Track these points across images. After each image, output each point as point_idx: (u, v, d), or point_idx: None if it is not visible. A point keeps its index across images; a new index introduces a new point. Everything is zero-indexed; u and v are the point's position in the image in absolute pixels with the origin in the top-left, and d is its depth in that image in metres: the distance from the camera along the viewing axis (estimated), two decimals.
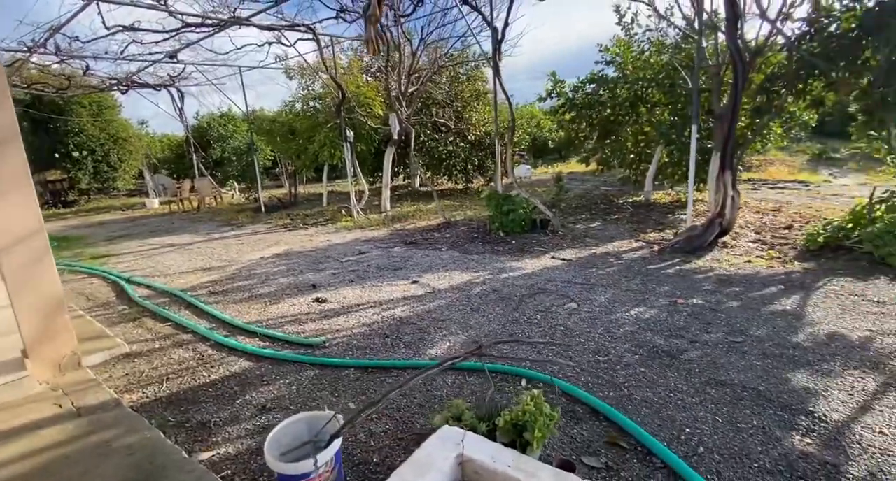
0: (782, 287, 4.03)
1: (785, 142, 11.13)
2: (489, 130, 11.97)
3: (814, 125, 9.63)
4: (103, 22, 7.54)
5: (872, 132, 5.44)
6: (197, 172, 14.07)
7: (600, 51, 8.55)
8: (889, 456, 1.94)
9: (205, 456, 2.29)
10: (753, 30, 13.91)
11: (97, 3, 6.94)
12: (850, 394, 2.40)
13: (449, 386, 2.79)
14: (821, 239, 4.96)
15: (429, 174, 14.60)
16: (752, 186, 9.83)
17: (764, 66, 6.62)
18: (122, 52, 9.31)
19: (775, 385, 2.53)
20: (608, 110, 8.59)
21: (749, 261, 4.88)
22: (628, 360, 2.93)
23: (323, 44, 8.48)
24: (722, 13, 6.16)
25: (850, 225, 4.89)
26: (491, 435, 2.08)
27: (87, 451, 2.33)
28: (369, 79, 12.16)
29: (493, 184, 10.83)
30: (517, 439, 1.99)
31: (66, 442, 2.40)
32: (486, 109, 12.20)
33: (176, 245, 8.15)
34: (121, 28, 7.98)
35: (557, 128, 11.99)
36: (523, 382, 2.73)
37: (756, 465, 1.96)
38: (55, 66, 11.30)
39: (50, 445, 2.39)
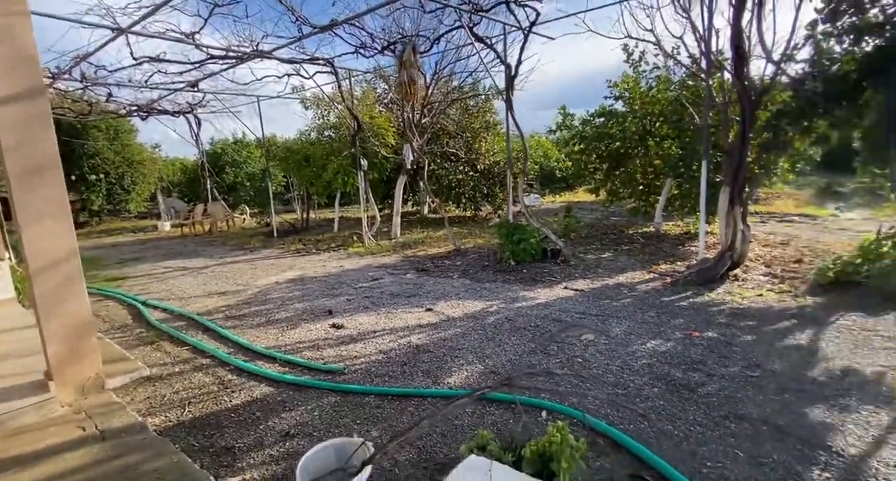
0: (795, 321, 4.06)
1: (792, 177, 11.29)
2: (498, 160, 12.24)
3: (818, 159, 9.82)
4: (131, 53, 7.93)
5: (876, 169, 5.57)
6: (210, 196, 14.36)
7: (609, 86, 8.84)
8: None
9: (233, 480, 2.32)
10: (758, 68, 14.33)
11: (126, 35, 7.30)
12: (865, 429, 2.42)
13: (469, 416, 2.82)
14: (830, 273, 5.00)
15: (437, 201, 14.84)
16: (760, 219, 9.92)
17: (770, 104, 6.82)
18: (146, 81, 9.71)
19: (793, 419, 2.55)
20: (617, 143, 8.81)
21: (761, 295, 4.92)
22: (647, 393, 2.96)
23: (340, 76, 8.82)
24: (727, 52, 6.41)
25: (859, 260, 4.95)
26: (517, 465, 2.11)
27: (113, 476, 2.36)
28: (382, 109, 12.55)
29: (501, 212, 11.00)
30: (543, 470, 2.02)
31: (91, 466, 2.44)
32: (497, 139, 12.51)
33: (189, 268, 8.27)
34: (147, 59, 8.37)
35: (566, 158, 12.24)
36: (543, 414, 2.76)
37: None
38: (77, 91, 11.75)
39: (74, 469, 2.42)
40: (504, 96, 7.11)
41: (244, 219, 15.34)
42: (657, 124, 8.24)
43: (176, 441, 2.69)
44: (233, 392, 3.31)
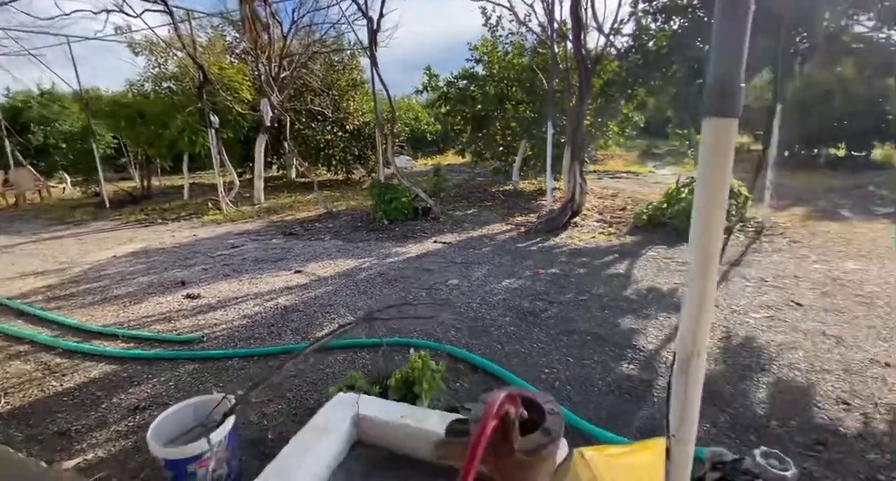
0: (617, 255, 4.89)
1: (622, 140, 13.06)
2: (368, 120, 11.95)
3: (642, 125, 11.54)
4: None
5: (678, 130, 6.80)
6: (12, 162, 11.55)
7: (470, 49, 9.13)
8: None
9: (70, 463, 2.08)
10: (595, 40, 16.04)
11: None
12: (660, 330, 3.09)
13: (340, 363, 2.90)
14: (644, 217, 6.08)
15: (306, 164, 14.06)
16: (597, 177, 11.42)
17: (603, 73, 7.76)
18: None
19: (610, 330, 3.14)
20: (479, 105, 9.25)
21: (594, 237, 5.77)
22: (501, 322, 3.34)
23: (178, 18, 7.63)
24: (570, 23, 7.07)
25: (665, 205, 6.09)
26: (383, 395, 2.27)
27: None
28: (234, 60, 11.23)
29: (374, 175, 10.90)
30: (407, 393, 2.20)
31: None
32: (365, 99, 12.15)
33: None
34: None
35: (434, 120, 12.46)
36: (411, 351, 2.96)
37: (596, 389, 2.47)
38: None
39: None
40: (368, 52, 6.91)
41: (63, 188, 12.74)
42: (513, 89, 8.83)
43: None
44: (63, 376, 2.89)
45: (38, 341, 3.37)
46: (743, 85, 0.86)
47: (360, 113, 12.05)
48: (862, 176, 9.22)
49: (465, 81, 9.21)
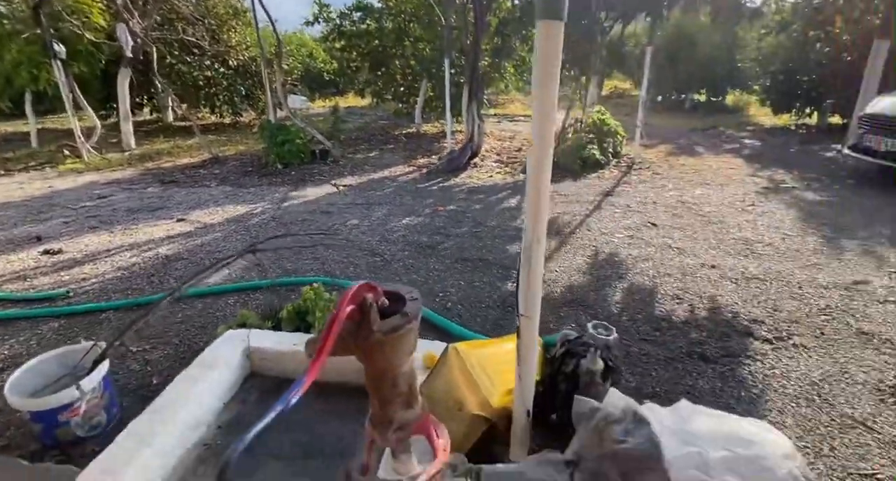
0: (510, 191, 5.18)
1: (520, 83, 13.32)
2: (255, 55, 10.77)
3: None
4: None
5: (567, 72, 7.11)
6: None
7: None
8: (556, 283, 2.93)
9: None
10: None
11: None
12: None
13: (232, 307, 2.82)
14: None
15: (185, 106, 12.48)
16: (497, 120, 11.69)
17: (498, 11, 7.72)
18: None
19: (499, 255, 3.40)
20: (377, 41, 8.78)
21: (491, 176, 6.02)
22: (400, 256, 3.45)
23: None
24: None
25: (553, 146, 6.48)
26: (277, 329, 2.28)
27: None
28: None
29: (266, 116, 10.06)
30: (301, 324, 2.24)
31: None
32: (248, 30, 10.87)
33: None
34: None
35: (330, 58, 11.63)
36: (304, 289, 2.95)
37: (484, 305, 2.70)
38: None
39: None
40: None
41: None
42: (411, 24, 8.47)
43: None
44: None
45: None
46: None
47: (245, 46, 10.81)
48: (715, 118, 10.55)
49: (359, 13, 8.63)
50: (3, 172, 7.04)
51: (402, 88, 9.63)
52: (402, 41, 8.77)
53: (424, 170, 6.41)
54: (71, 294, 3.01)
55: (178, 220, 4.48)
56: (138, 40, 7.60)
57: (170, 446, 1.60)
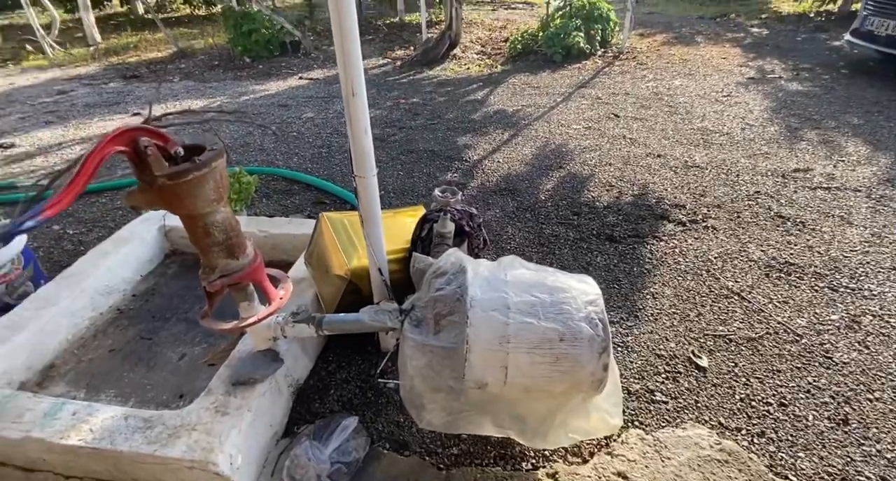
0: (481, 84, 4.91)
1: None
2: None
3: None
4: None
5: None
6: None
7: None
8: (495, 173, 2.90)
9: None
10: None
11: None
12: (490, 144, 3.34)
13: None
14: (519, 46, 5.97)
15: None
16: (492, 8, 10.65)
17: None
18: None
19: (447, 147, 3.33)
20: None
21: (468, 69, 5.65)
22: (347, 147, 3.39)
23: None
24: None
25: (539, 33, 5.96)
26: None
27: None
28: None
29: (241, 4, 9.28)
30: None
31: None
32: None
33: None
34: None
35: None
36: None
37: (415, 193, 2.72)
38: None
39: None
40: None
41: None
42: None
43: None
44: None
45: None
46: None
47: None
48: (730, 5, 9.49)
49: None
50: None
51: None
52: None
53: (398, 63, 6.03)
54: (18, 185, 3.06)
55: (134, 115, 4.39)
56: None
57: (78, 308, 1.74)
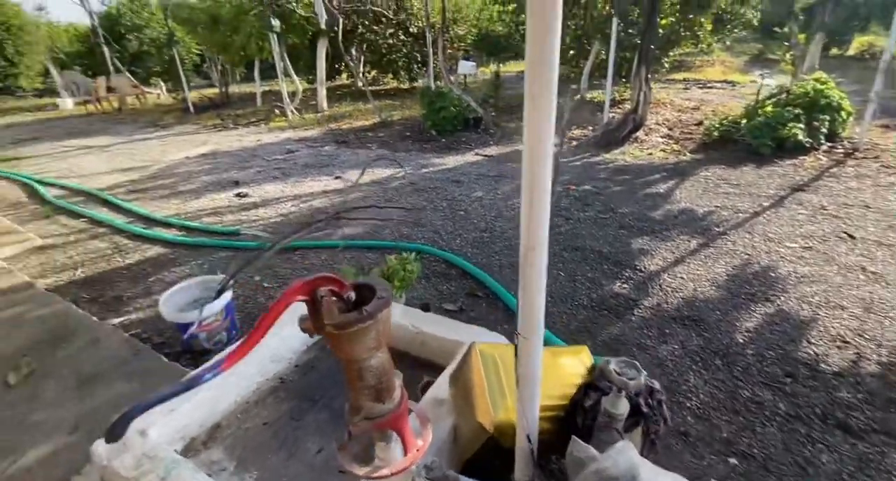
0: (665, 174, 4.47)
1: (728, 41, 11.13)
2: (435, 21, 11.24)
3: (755, 23, 9.67)
4: None
5: (776, 29, 5.62)
6: (112, 68, 12.70)
7: None
8: (677, 292, 2.47)
9: (115, 320, 2.58)
10: None
11: None
12: (673, 253, 2.90)
13: (348, 261, 3.13)
14: (716, 133, 5.37)
15: (374, 72, 13.85)
16: (684, 86, 10.04)
17: None
18: None
19: (618, 248, 3.01)
20: None
21: (650, 154, 5.27)
22: (508, 235, 3.33)
23: None
24: None
25: (743, 120, 5.29)
26: None
27: (2, 323, 2.55)
28: None
29: (439, 83, 10.56)
30: None
31: None
32: None
33: (93, 147, 7.73)
34: None
35: (499, 19, 11.44)
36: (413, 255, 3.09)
37: (577, 303, 2.45)
38: None
39: None
40: None
41: (158, 94, 13.90)
42: None
43: (65, 295, 2.86)
44: (127, 254, 3.44)
45: (114, 226, 3.99)
46: None
47: (424, 14, 11.31)
48: None
49: None
50: (233, 126, 8.95)
51: (570, 52, 8.95)
52: (578, 2, 8.06)
53: (575, 143, 5.96)
54: (239, 232, 3.73)
55: (336, 178, 5.10)
56: (334, 12, 8.59)
57: (250, 372, 1.91)
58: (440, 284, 2.74)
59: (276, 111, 9.64)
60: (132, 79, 12.87)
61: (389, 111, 9.25)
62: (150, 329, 2.50)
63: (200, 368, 0.86)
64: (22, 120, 11.84)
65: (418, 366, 2.05)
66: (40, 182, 5.50)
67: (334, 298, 0.98)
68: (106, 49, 12.51)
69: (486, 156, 5.66)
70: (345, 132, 7.78)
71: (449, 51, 8.95)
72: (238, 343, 0.88)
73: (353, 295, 1.03)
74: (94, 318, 2.50)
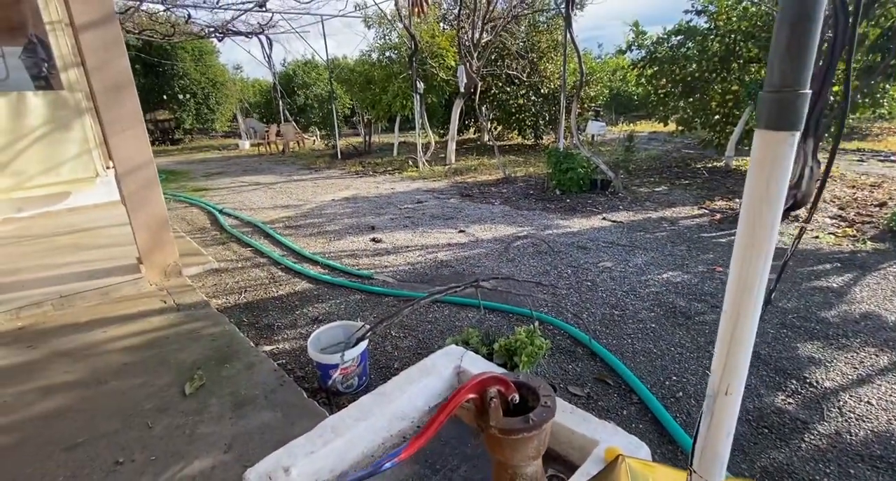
0: (839, 265, 3.83)
1: None
2: (571, 84, 11.53)
3: None
4: None
5: None
6: (282, 117, 15.13)
7: None
8: (863, 421, 2.02)
9: (267, 348, 2.90)
10: None
11: None
12: (854, 368, 2.42)
13: (470, 320, 3.16)
14: None
15: (500, 128, 14.49)
16: (859, 158, 8.74)
17: (884, 19, 5.75)
18: (217, 2, 10.10)
19: (780, 352, 2.59)
20: (694, 65, 7.96)
21: (817, 237, 4.60)
22: (643, 316, 3.09)
23: None
24: None
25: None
26: (489, 357, 2.44)
27: (182, 335, 3.02)
28: (446, 27, 12.07)
29: (566, 140, 10.63)
30: (508, 362, 2.32)
31: (168, 327, 3.12)
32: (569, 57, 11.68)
33: (261, 184, 9.12)
34: None
35: (637, 83, 11.27)
36: (536, 323, 3.02)
37: None
38: (162, 13, 12.49)
39: (156, 328, 3.12)
40: (563, 12, 6.61)
41: (314, 140, 16.11)
42: (743, 44, 7.27)
43: (231, 316, 3.32)
44: (280, 285, 3.91)
45: (272, 257, 4.59)
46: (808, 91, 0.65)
47: (557, 76, 11.66)
48: None
49: (678, 37, 7.98)
50: (372, 173, 9.92)
51: (716, 116, 8.41)
52: (727, 63, 7.64)
53: (718, 216, 5.46)
54: (373, 277, 4.02)
55: (460, 231, 5.30)
56: (472, 77, 9.28)
57: (379, 427, 1.97)
58: (565, 363, 2.61)
59: (410, 162, 10.50)
60: (296, 127, 15.15)
61: (513, 167, 9.50)
62: (293, 361, 2.75)
63: (384, 457, 0.91)
64: (212, 156, 14.55)
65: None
66: (221, 211, 6.61)
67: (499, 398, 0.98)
68: (280, 101, 15.00)
69: (614, 221, 5.44)
70: (469, 185, 8.13)
71: (578, 110, 9.06)
72: (413, 436, 0.91)
73: (517, 397, 1.02)
74: (251, 344, 2.84)
